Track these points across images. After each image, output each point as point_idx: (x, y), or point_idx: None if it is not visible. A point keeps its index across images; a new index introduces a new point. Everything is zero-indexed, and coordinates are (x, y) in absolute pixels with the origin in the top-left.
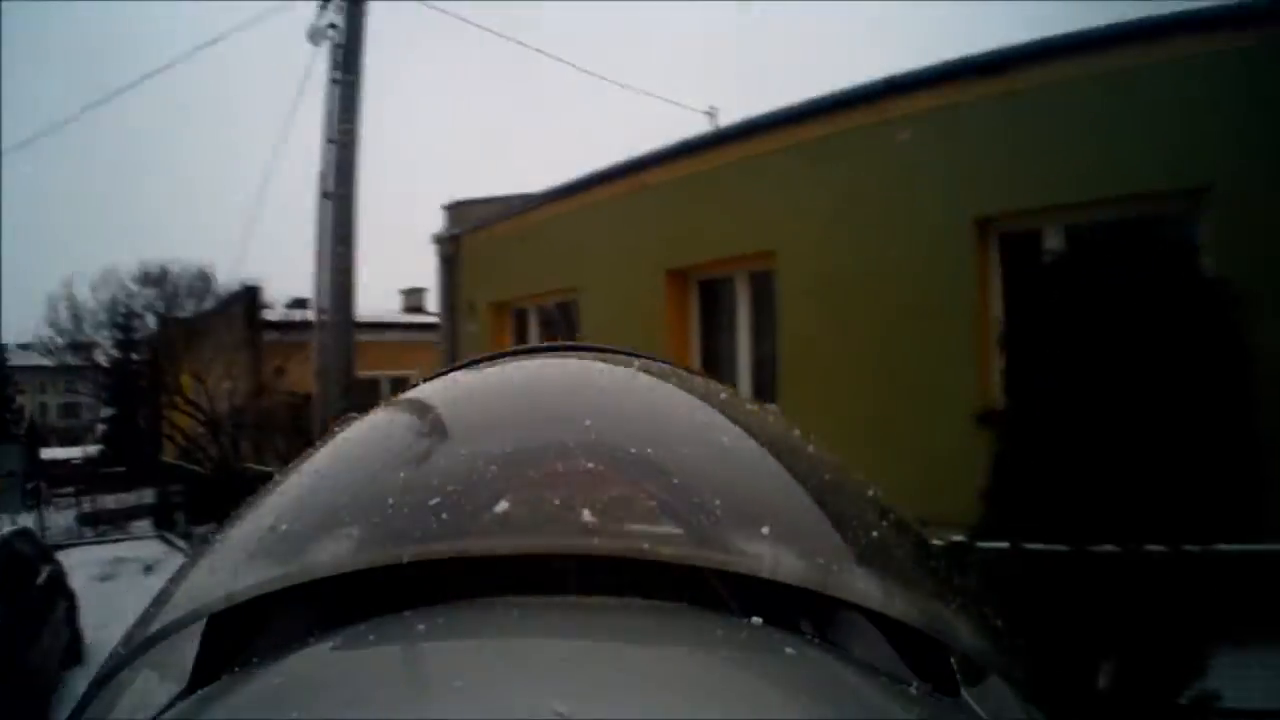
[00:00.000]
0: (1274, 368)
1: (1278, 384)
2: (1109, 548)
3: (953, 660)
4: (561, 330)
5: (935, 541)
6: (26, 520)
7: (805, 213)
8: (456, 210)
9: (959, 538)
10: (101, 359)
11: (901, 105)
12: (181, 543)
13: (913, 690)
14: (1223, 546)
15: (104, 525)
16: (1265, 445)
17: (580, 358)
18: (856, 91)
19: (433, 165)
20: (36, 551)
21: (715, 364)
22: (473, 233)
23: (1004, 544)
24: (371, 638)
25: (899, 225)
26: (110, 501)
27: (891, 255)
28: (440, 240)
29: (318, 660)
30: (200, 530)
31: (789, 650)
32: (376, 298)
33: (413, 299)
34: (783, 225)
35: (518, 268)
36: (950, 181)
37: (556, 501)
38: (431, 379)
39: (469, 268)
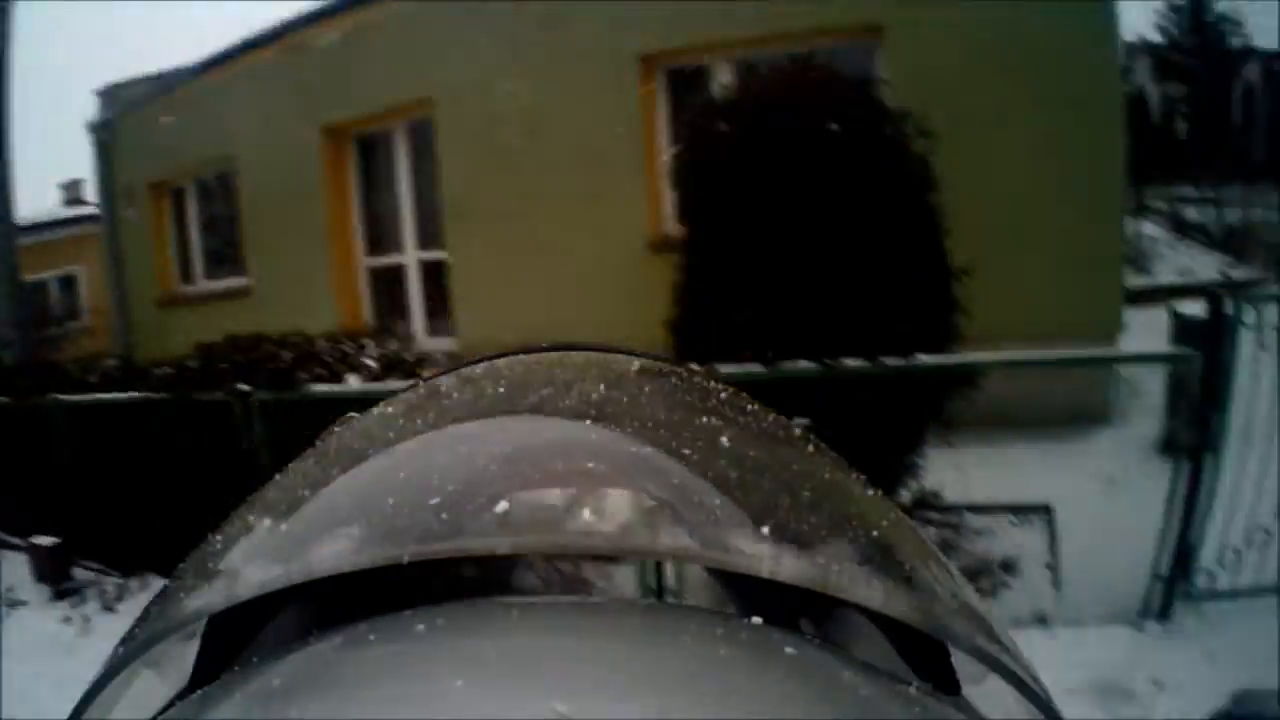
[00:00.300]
0: (953, 196)
1: (955, 211)
2: (806, 364)
3: (953, 660)
4: (221, 204)
5: None
6: None
7: (464, 57)
8: (112, 94)
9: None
10: None
11: None
12: None
13: (913, 690)
14: (923, 359)
15: None
16: (949, 267)
17: (580, 356)
18: None
19: (92, 46)
20: None
21: (378, 222)
22: (128, 114)
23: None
24: (371, 637)
25: (562, 64)
26: None
27: (555, 94)
28: (94, 127)
29: (318, 660)
30: None
31: (789, 650)
32: (34, 194)
33: (72, 191)
34: (441, 71)
35: (176, 146)
36: (614, 18)
37: (557, 501)
38: (431, 377)
39: (126, 153)
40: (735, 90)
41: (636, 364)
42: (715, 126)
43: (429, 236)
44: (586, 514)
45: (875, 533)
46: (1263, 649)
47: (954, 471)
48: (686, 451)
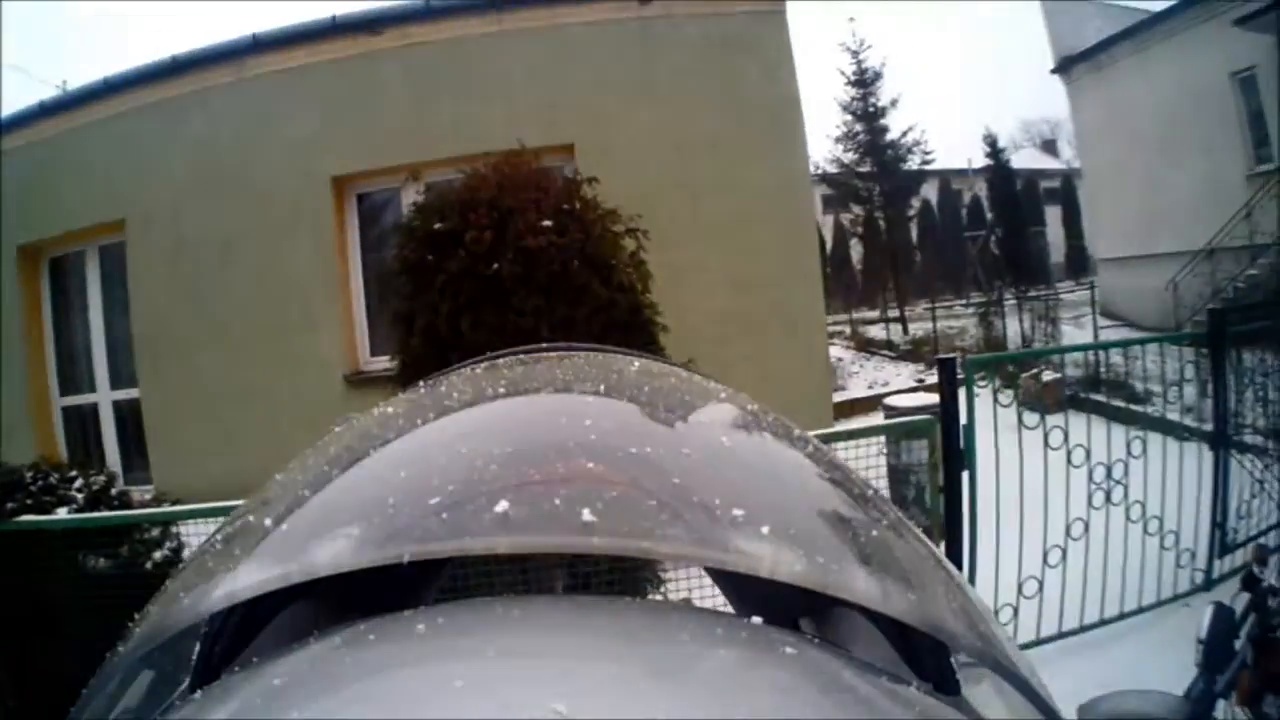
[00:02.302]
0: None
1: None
2: None
3: (953, 660)
4: None
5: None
6: None
7: (156, 177)
8: None
9: None
10: None
11: (261, 63)
12: None
13: (913, 690)
14: None
15: None
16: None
17: (580, 356)
18: (214, 50)
19: None
20: None
21: (70, 348)
22: None
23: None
24: (371, 637)
25: (255, 186)
26: None
27: (248, 217)
28: None
29: (318, 659)
30: None
31: (789, 650)
32: None
33: None
34: (133, 192)
35: None
36: (308, 141)
37: (557, 501)
38: (432, 379)
39: None
40: (421, 210)
41: (636, 364)
42: (405, 252)
43: (118, 368)
44: (586, 514)
45: (875, 533)
46: (1055, 692)
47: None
48: (686, 451)
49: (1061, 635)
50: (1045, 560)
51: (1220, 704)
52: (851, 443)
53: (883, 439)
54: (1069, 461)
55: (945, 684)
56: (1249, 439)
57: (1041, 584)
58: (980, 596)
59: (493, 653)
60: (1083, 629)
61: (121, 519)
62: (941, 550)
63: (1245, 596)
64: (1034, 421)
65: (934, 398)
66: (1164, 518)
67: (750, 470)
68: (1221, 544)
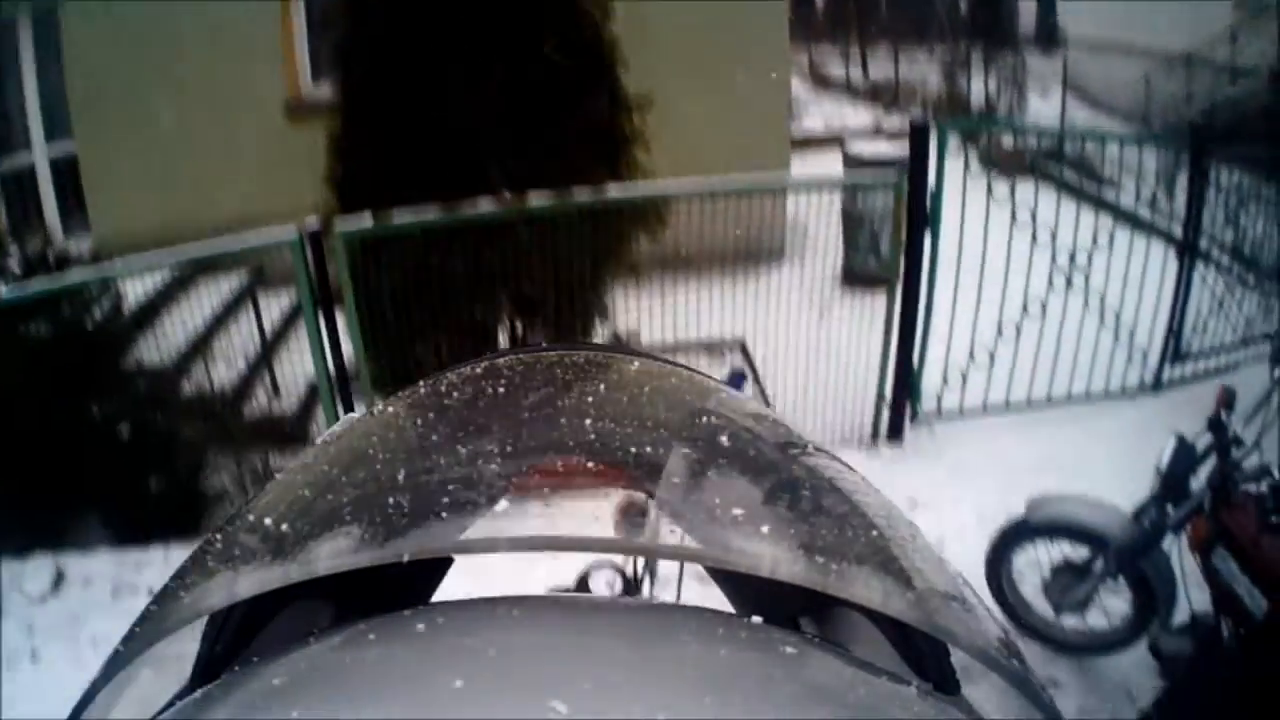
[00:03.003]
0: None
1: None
2: (486, 206)
3: (953, 660)
4: None
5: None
6: None
7: None
8: None
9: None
10: None
11: None
12: None
13: (913, 690)
14: (614, 190)
15: None
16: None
17: (580, 356)
18: None
19: None
20: None
21: (4, 109)
22: None
23: (369, 223)
24: (371, 637)
25: None
26: None
27: None
28: None
29: (318, 659)
30: None
31: (789, 649)
32: None
33: None
34: None
35: None
36: None
37: (557, 501)
38: (432, 378)
39: None
40: None
41: (636, 364)
42: None
43: (55, 128)
44: (587, 513)
45: (874, 532)
46: (998, 462)
47: (644, 313)
48: (686, 451)
49: (1008, 407)
50: (999, 333)
51: (1170, 541)
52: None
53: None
54: (1034, 239)
55: (945, 684)
56: (1214, 256)
57: (993, 355)
58: (976, 595)
59: (493, 653)
60: (1028, 404)
61: (54, 291)
62: (895, 325)
63: (1208, 437)
64: (1003, 194)
65: (893, 148)
66: (1121, 313)
67: (750, 470)
68: (1175, 351)
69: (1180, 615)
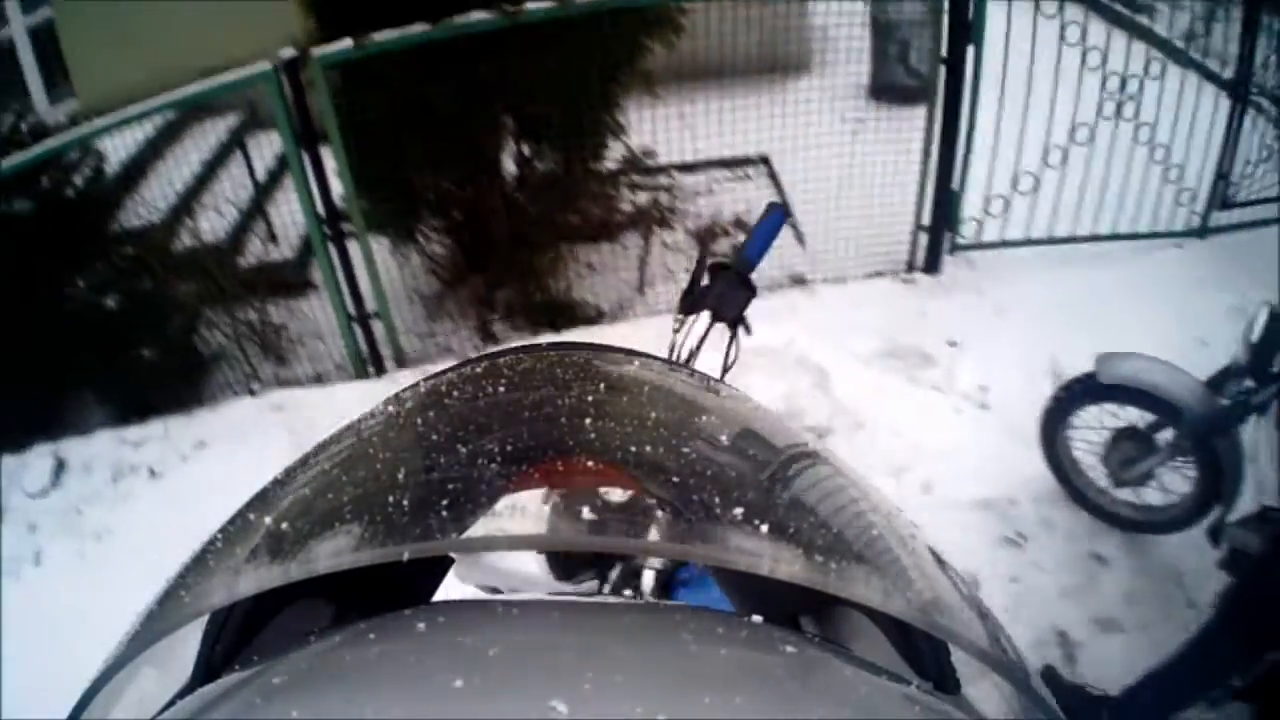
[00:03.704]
0: None
1: None
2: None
3: (953, 660)
4: None
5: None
6: None
7: None
8: None
9: None
10: None
11: None
12: None
13: (913, 690)
14: None
15: None
16: None
17: (580, 356)
18: None
19: None
20: None
21: None
22: None
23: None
24: (371, 636)
25: None
26: None
27: None
28: None
29: (318, 659)
30: None
31: (789, 649)
32: None
33: None
34: None
35: None
36: None
37: (557, 500)
38: (432, 377)
39: None
40: None
41: (636, 364)
42: None
43: None
44: (586, 513)
45: (875, 532)
46: (1040, 301)
47: (660, 129)
48: (686, 451)
49: (1051, 241)
50: (1045, 159)
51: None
52: None
53: None
54: (1083, 63)
55: (945, 684)
56: (1267, 105)
57: (1038, 182)
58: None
59: (493, 652)
60: (1072, 239)
61: (26, 164)
62: (934, 157)
63: None
64: (1051, 9)
65: None
66: (1171, 149)
67: (750, 469)
68: (1224, 197)
69: (1245, 505)
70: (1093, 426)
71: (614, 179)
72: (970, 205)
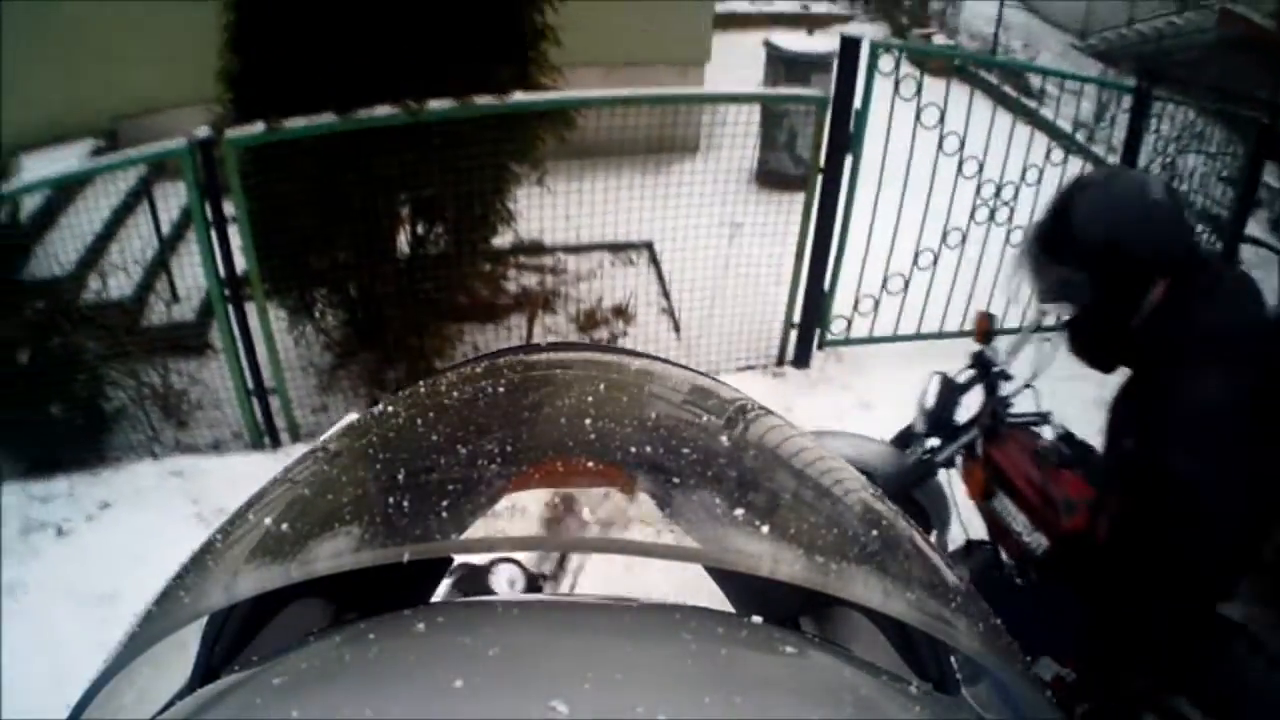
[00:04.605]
0: None
1: None
2: (389, 111)
3: (953, 660)
4: None
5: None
6: None
7: None
8: None
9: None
10: None
11: None
12: None
13: (913, 690)
14: (521, 97)
15: None
16: None
17: (580, 356)
18: None
19: None
20: None
21: None
22: None
23: (260, 128)
24: (371, 637)
25: None
26: None
27: None
28: None
29: (318, 659)
30: None
31: (789, 649)
32: None
33: None
34: None
35: None
36: None
37: (557, 500)
38: (431, 378)
39: None
40: None
41: (636, 364)
42: None
43: None
44: (586, 513)
45: (875, 532)
46: (908, 391)
47: (549, 213)
48: (686, 451)
49: (919, 336)
50: (916, 261)
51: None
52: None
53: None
54: (959, 170)
55: (945, 684)
56: None
57: (907, 282)
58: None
59: (493, 653)
60: (940, 335)
61: None
62: (807, 257)
63: (971, 372)
64: (931, 120)
65: (820, 42)
66: None
67: (750, 470)
68: None
69: (956, 542)
70: None
71: (503, 259)
72: (841, 303)
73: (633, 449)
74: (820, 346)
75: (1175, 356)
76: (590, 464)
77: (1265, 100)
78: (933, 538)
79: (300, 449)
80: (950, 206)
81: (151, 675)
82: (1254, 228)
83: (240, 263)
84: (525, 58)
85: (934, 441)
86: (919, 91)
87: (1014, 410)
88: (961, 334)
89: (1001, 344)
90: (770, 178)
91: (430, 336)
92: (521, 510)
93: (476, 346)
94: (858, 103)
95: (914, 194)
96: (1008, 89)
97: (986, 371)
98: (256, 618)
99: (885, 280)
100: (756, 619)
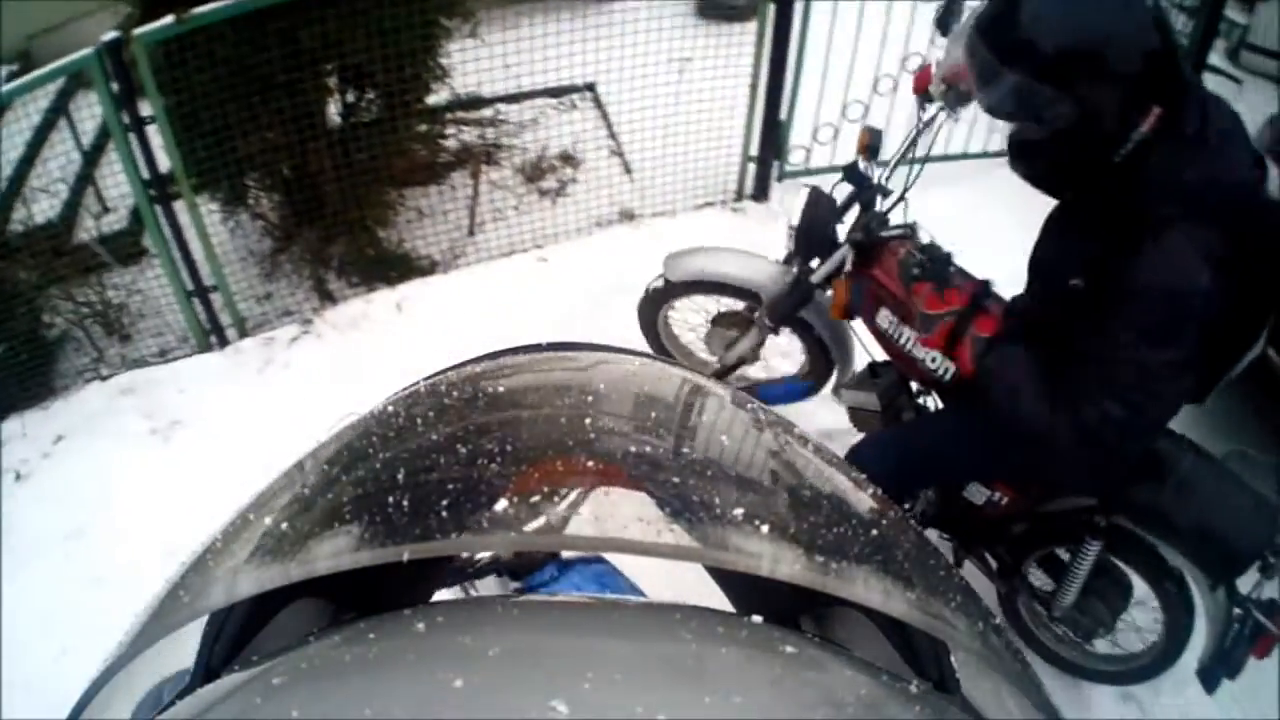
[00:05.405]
0: None
1: None
2: None
3: (953, 660)
4: None
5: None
6: None
7: None
8: None
9: None
10: None
11: None
12: None
13: (913, 690)
14: None
15: None
16: None
17: (580, 356)
18: None
19: None
20: None
21: None
22: None
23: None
24: (371, 636)
25: None
26: None
27: None
28: None
29: (318, 659)
30: None
31: (789, 649)
32: None
33: None
34: None
35: None
36: None
37: (556, 500)
38: (433, 376)
39: None
40: None
41: (636, 364)
42: None
43: None
44: (586, 512)
45: (875, 532)
46: None
47: (486, 64)
48: (686, 450)
49: (881, 163)
50: (875, 87)
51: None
52: None
53: None
54: None
55: (945, 684)
56: None
57: (867, 109)
58: (980, 599)
59: (493, 652)
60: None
61: None
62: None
63: (847, 188)
64: None
65: None
66: None
67: (750, 470)
68: None
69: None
70: (696, 311)
71: (439, 117)
72: (799, 133)
73: (632, 448)
74: (780, 179)
75: (1158, 208)
76: (590, 464)
77: None
78: (836, 374)
79: (249, 344)
80: (909, 30)
81: (152, 673)
82: (1214, 58)
83: (165, 162)
84: None
85: (815, 262)
86: None
87: (889, 226)
88: (929, 159)
89: (882, 160)
90: (713, 9)
91: (371, 206)
92: (522, 510)
93: (420, 210)
94: None
95: (872, 18)
96: None
97: (861, 187)
98: (256, 618)
99: (844, 108)
100: (756, 619)
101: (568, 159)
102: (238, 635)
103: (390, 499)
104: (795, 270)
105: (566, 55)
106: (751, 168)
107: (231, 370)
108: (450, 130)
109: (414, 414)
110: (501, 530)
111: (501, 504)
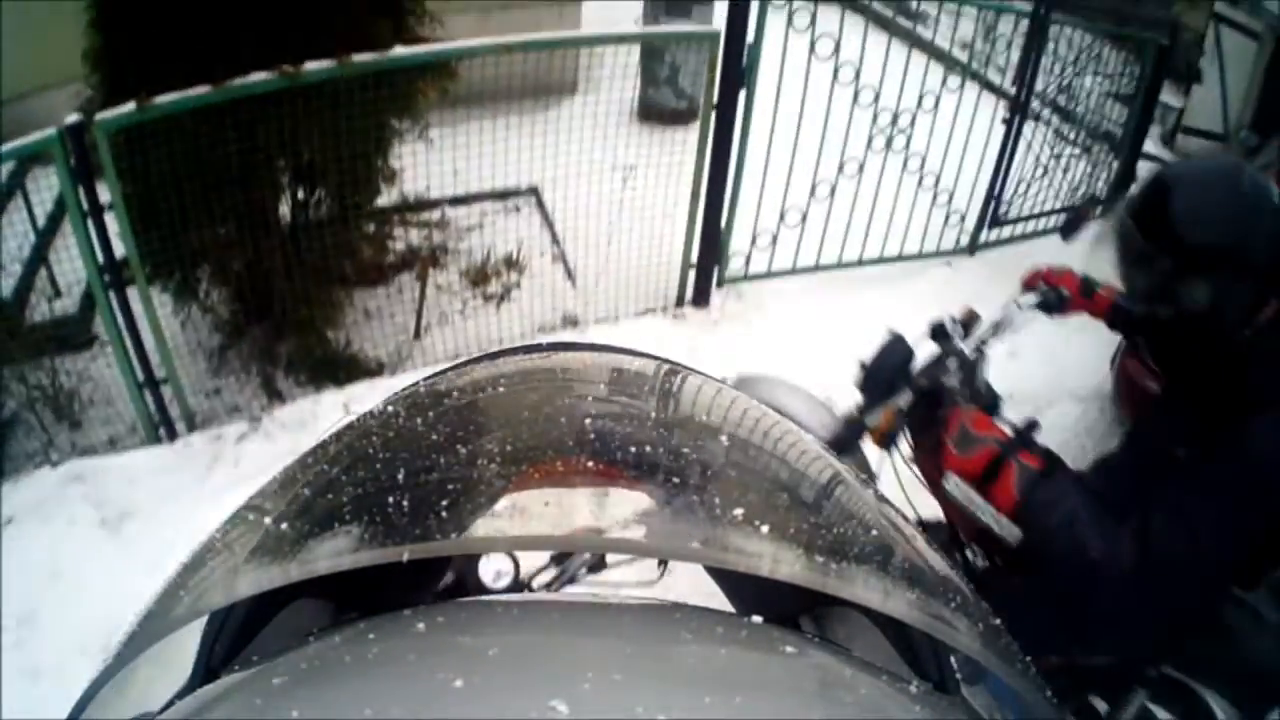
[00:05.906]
0: None
1: None
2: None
3: (953, 660)
4: None
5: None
6: None
7: None
8: None
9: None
10: None
11: None
12: None
13: (913, 690)
14: (401, 52)
15: None
16: None
17: (579, 356)
18: None
19: None
20: None
21: None
22: None
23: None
24: (371, 636)
25: None
26: None
27: None
28: None
29: (318, 659)
30: None
31: (789, 649)
32: None
33: None
34: None
35: None
36: None
37: (556, 500)
38: (433, 376)
39: None
40: None
41: (636, 364)
42: None
43: None
44: (586, 513)
45: (875, 532)
46: (808, 325)
47: (435, 168)
48: (687, 451)
49: (818, 268)
50: (813, 192)
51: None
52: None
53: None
54: (855, 100)
55: (945, 684)
56: (1047, 113)
57: (805, 215)
58: (954, 578)
59: (493, 653)
60: (839, 265)
61: None
62: (702, 206)
63: (932, 345)
64: (826, 50)
65: None
66: (941, 175)
67: (750, 470)
68: (994, 216)
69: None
70: None
71: (387, 218)
72: (739, 239)
73: (632, 448)
74: (720, 284)
75: (1273, 388)
76: (590, 464)
77: (1164, 21)
78: None
79: (198, 439)
80: (847, 136)
81: (152, 673)
82: (1149, 144)
83: (120, 248)
84: (401, 9)
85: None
86: (813, 22)
87: (956, 383)
88: (860, 263)
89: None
90: (653, 113)
91: (319, 305)
92: (521, 510)
93: (367, 311)
94: (750, 36)
95: (810, 125)
96: (898, 18)
97: (943, 345)
98: (256, 618)
99: (783, 213)
100: (756, 619)
101: (511, 264)
102: (238, 635)
103: (390, 499)
104: (848, 407)
105: (512, 159)
106: (692, 274)
107: (181, 465)
108: (398, 231)
109: (414, 415)
110: (500, 531)
111: (502, 504)
